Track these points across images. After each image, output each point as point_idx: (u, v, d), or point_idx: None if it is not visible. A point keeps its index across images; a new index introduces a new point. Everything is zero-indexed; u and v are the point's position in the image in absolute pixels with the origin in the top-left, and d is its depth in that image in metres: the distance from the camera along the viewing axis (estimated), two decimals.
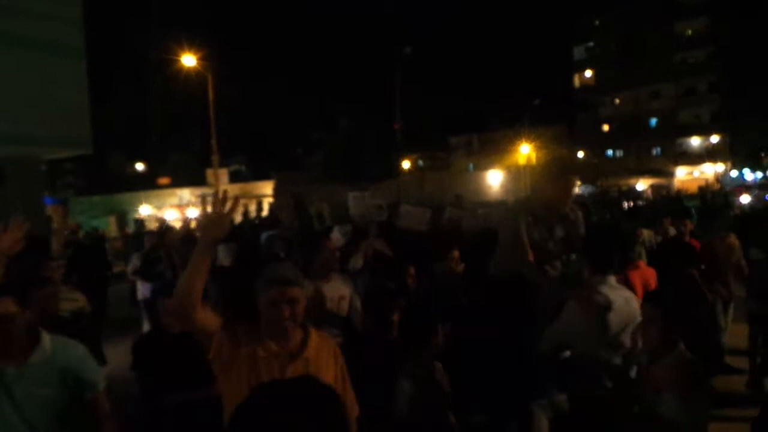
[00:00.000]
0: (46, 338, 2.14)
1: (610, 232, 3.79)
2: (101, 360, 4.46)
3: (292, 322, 1.90)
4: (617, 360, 2.69)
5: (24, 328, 2.06)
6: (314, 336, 2.00)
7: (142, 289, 6.88)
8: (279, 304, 1.87)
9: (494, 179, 26.44)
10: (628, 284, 4.04)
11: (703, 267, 5.05)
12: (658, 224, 6.86)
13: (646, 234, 6.47)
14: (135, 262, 7.15)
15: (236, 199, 2.12)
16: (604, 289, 2.76)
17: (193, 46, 20.38)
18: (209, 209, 1.90)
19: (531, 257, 3.24)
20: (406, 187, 23.68)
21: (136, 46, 39.08)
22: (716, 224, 5.91)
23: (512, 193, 25.17)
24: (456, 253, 4.74)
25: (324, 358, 1.99)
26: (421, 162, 49.61)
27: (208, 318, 1.90)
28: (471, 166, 43.30)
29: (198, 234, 2.01)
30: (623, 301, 2.76)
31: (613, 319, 2.67)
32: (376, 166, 33.32)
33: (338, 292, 3.59)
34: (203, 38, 21.47)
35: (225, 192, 2.00)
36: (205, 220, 1.90)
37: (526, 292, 2.90)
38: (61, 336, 2.24)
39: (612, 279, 2.86)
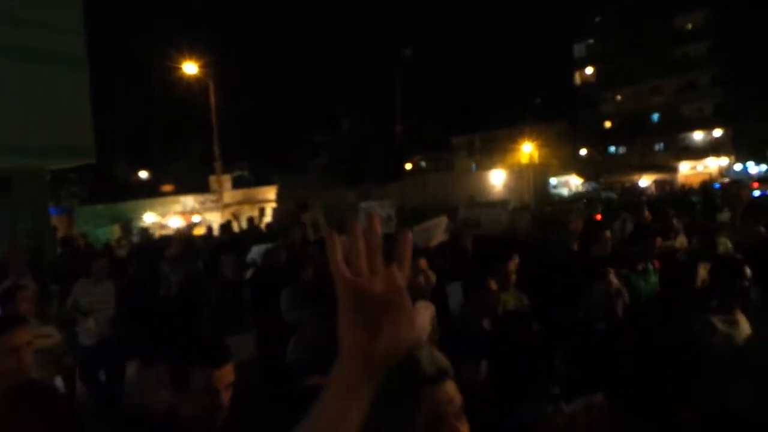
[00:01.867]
0: None
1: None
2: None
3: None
4: None
5: None
6: None
7: None
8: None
9: (497, 179, 26.36)
10: None
11: None
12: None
13: None
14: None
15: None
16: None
17: (195, 53, 20.46)
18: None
19: None
20: (410, 189, 23.65)
21: (138, 54, 39.22)
22: None
23: (516, 193, 25.10)
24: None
25: None
26: (423, 163, 49.60)
27: None
28: (474, 166, 43.24)
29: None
30: None
31: None
32: (379, 168, 33.34)
33: None
34: (205, 45, 21.57)
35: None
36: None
37: None
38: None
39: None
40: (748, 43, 48.03)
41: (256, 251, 7.06)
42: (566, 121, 48.54)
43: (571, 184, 41.65)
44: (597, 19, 50.71)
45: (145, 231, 16.89)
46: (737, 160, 46.67)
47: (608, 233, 4.84)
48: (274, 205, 22.85)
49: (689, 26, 47.51)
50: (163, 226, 20.37)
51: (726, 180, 30.96)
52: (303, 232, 7.37)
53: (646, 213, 6.25)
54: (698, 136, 48.05)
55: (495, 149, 41.93)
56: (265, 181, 28.07)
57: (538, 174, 28.40)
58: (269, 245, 6.88)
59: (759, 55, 48.17)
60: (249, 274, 7.19)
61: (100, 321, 4.90)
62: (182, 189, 26.59)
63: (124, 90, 37.38)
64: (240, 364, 1.95)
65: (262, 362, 5.15)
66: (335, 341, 0.74)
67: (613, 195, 26.68)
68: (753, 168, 45.38)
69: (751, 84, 46.57)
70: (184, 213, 22.20)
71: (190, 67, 20.34)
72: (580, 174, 42.68)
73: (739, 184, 22.91)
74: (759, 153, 48.68)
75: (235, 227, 10.82)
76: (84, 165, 10.73)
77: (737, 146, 47.34)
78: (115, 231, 16.97)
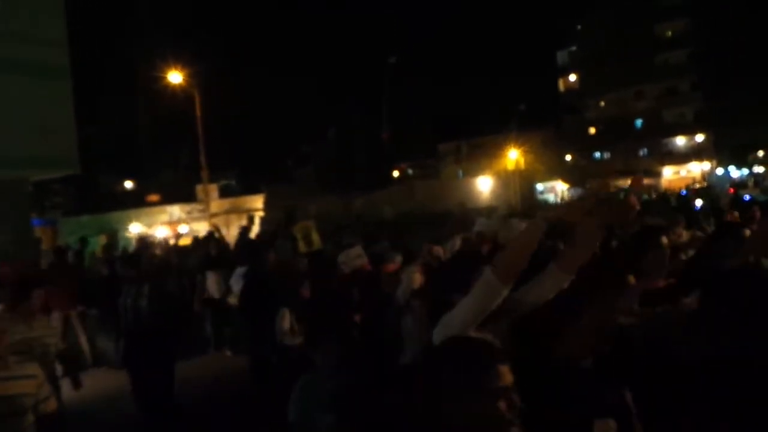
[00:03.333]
0: None
1: None
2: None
3: None
4: None
5: None
6: None
7: None
8: None
9: (484, 185, 26.51)
10: None
11: None
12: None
13: None
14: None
15: None
16: None
17: (181, 62, 20.39)
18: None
19: None
20: (397, 196, 23.70)
21: (123, 64, 38.97)
22: None
23: (503, 199, 25.25)
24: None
25: None
26: (410, 170, 49.75)
27: None
28: (460, 172, 43.46)
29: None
30: None
31: None
32: (366, 176, 33.38)
33: None
34: (191, 54, 21.51)
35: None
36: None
37: None
38: None
39: None
40: (726, 50, 49.01)
41: (239, 273, 6.74)
42: (551, 127, 49.03)
43: (557, 189, 41.99)
44: (578, 26, 51.43)
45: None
46: (719, 165, 47.43)
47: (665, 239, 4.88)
48: (261, 213, 22.76)
49: (669, 33, 48.35)
50: (149, 237, 20.19)
51: (697, 186, 31.46)
52: (293, 244, 7.02)
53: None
54: (680, 141, 48.80)
55: (481, 156, 42.20)
56: (253, 190, 27.95)
57: (525, 180, 28.65)
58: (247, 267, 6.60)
59: (737, 63, 49.14)
60: (232, 297, 6.92)
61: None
62: (169, 199, 26.39)
63: (110, 100, 37.13)
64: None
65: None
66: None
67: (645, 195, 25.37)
68: (734, 172, 46.16)
69: (730, 90, 47.48)
70: (171, 223, 22.01)
71: (175, 77, 20.26)
72: (565, 180, 43.05)
73: (712, 189, 23.35)
74: (739, 157, 49.55)
75: (220, 238, 10.52)
76: (68, 175, 10.62)
77: (718, 151, 48.14)
78: (101, 242, 16.77)
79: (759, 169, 46.17)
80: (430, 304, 4.06)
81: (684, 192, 24.24)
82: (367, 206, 22.09)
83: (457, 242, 6.15)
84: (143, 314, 5.19)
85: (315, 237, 6.73)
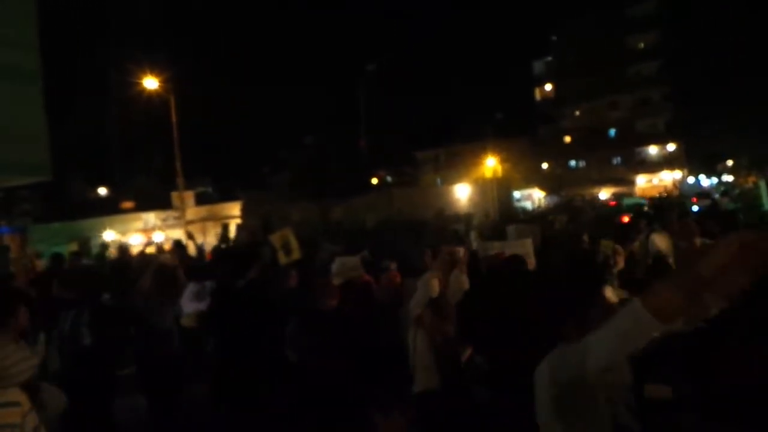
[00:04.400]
0: None
1: None
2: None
3: None
4: None
5: None
6: None
7: None
8: None
9: (462, 193, 26.68)
10: None
11: None
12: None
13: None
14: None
15: None
16: None
17: (156, 67, 20.14)
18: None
19: None
20: (375, 204, 23.69)
21: (96, 68, 38.37)
22: None
23: (480, 206, 25.43)
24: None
25: None
26: (389, 178, 49.82)
27: None
28: (439, 180, 43.68)
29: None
30: None
31: None
32: (344, 183, 33.33)
33: None
34: (166, 59, 21.28)
35: None
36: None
37: None
38: None
39: None
40: (696, 61, 50.34)
41: (194, 290, 6.00)
42: (528, 135, 49.67)
43: (534, 197, 42.47)
44: (554, 37, 52.32)
45: (105, 248, 16.31)
46: (690, 173, 48.60)
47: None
48: (238, 221, 22.52)
49: (641, 45, 49.49)
50: (122, 244, 19.80)
51: (665, 194, 32.22)
52: (271, 255, 6.34)
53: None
54: (653, 150, 49.86)
55: (459, 163, 42.49)
56: (229, 197, 27.68)
57: (502, 188, 28.90)
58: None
59: (707, 74, 50.50)
60: (185, 319, 6.00)
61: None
62: (143, 206, 25.97)
63: (83, 105, 36.45)
64: None
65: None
66: None
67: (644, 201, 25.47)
68: (705, 180, 47.35)
69: (700, 101, 48.80)
70: (146, 230, 21.65)
71: (150, 82, 20.00)
72: (542, 187, 43.59)
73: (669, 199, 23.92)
74: (709, 166, 50.91)
75: (191, 248, 9.95)
76: (39, 182, 10.32)
77: (690, 160, 49.35)
78: (72, 249, 16.38)
79: (728, 177, 47.43)
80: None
81: (643, 201, 24.91)
82: (346, 213, 22.03)
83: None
84: (81, 346, 4.19)
85: (294, 245, 6.19)
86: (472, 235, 9.78)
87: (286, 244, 6.13)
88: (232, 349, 4.65)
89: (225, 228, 13.62)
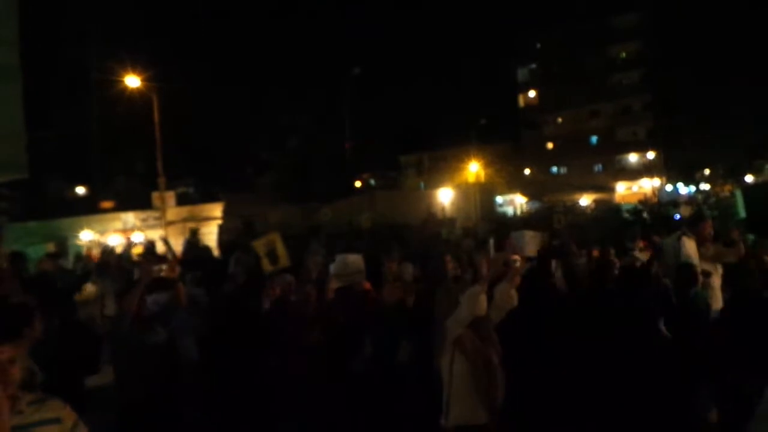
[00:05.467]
0: None
1: None
2: None
3: None
4: None
5: None
6: None
7: None
8: None
9: (445, 197, 26.79)
10: None
11: None
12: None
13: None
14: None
15: None
16: None
17: (138, 65, 19.92)
18: None
19: None
20: (359, 207, 23.67)
21: (77, 65, 37.79)
22: None
23: (463, 211, 25.55)
24: None
25: None
26: (372, 181, 49.84)
27: None
28: (422, 184, 43.81)
29: None
30: None
31: None
32: (327, 185, 33.24)
33: None
34: (148, 57, 21.05)
35: None
36: None
37: None
38: None
39: None
40: (676, 71, 51.32)
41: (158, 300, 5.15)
42: (511, 141, 50.09)
43: (516, 202, 42.82)
44: (538, 45, 52.90)
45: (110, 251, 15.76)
46: (668, 181, 49.44)
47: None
48: (220, 222, 22.32)
49: (623, 55, 50.30)
50: (101, 245, 19.50)
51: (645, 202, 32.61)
52: (256, 262, 5.91)
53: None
54: (633, 158, 50.64)
55: (442, 168, 42.70)
56: (211, 198, 27.42)
57: (485, 193, 29.08)
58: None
59: (686, 85, 51.51)
60: None
61: None
62: (123, 206, 25.59)
63: (63, 102, 35.87)
64: None
65: None
66: None
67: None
68: (683, 189, 48.20)
69: (679, 111, 49.74)
70: (125, 230, 21.33)
71: (132, 81, 19.76)
72: (524, 193, 43.97)
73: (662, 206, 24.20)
74: (687, 175, 51.85)
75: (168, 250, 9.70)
76: (15, 180, 10.11)
77: (668, 168, 50.23)
78: (49, 249, 16.04)
79: (705, 186, 48.35)
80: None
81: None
82: (329, 216, 21.94)
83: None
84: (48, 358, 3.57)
85: (281, 252, 5.62)
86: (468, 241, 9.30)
87: (271, 252, 5.56)
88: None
89: (194, 233, 13.09)
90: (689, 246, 5.29)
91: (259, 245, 5.65)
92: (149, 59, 21.28)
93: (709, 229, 5.42)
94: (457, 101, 61.26)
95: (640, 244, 6.69)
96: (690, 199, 31.99)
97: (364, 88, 48.32)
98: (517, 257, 3.49)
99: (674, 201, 32.43)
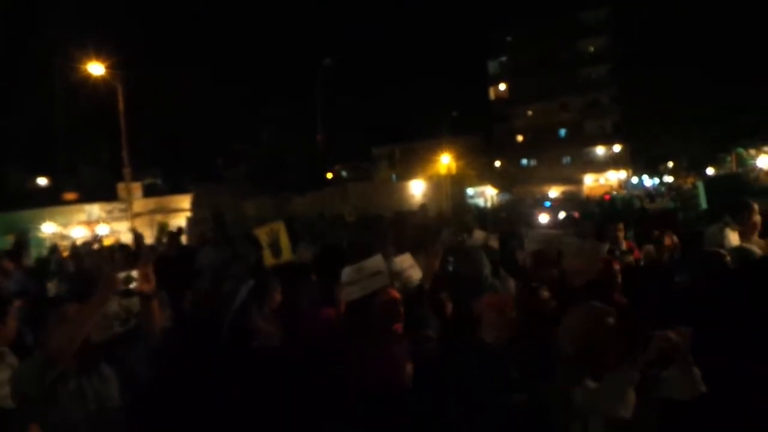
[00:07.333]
0: None
1: None
2: None
3: None
4: None
5: None
6: None
7: None
8: None
9: (417, 189, 26.88)
10: None
11: None
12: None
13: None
14: None
15: None
16: None
17: (103, 52, 19.33)
18: None
19: None
20: (330, 198, 23.57)
21: (40, 52, 36.53)
22: None
23: (434, 202, 25.66)
24: None
25: None
26: (344, 173, 49.65)
27: None
28: (394, 176, 43.85)
29: None
30: None
31: None
32: (299, 177, 32.97)
33: None
34: (114, 45, 20.46)
35: None
36: None
37: None
38: None
39: None
40: (642, 66, 52.47)
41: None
42: (482, 133, 50.47)
43: (486, 194, 43.24)
44: (509, 38, 53.32)
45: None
46: (634, 174, 50.61)
47: None
48: (188, 214, 21.95)
49: (591, 49, 51.11)
50: (64, 237, 18.97)
51: (614, 193, 33.37)
52: (256, 254, 5.37)
53: None
54: (600, 150, 51.65)
55: (414, 160, 42.76)
56: (179, 189, 26.93)
57: (456, 184, 29.28)
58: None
59: (651, 78, 52.71)
60: None
61: None
62: (87, 197, 24.92)
63: (24, 91, 34.66)
64: None
65: None
66: None
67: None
68: (647, 181, 49.43)
69: (644, 105, 50.94)
70: (90, 222, 20.80)
71: (96, 68, 19.18)
72: (495, 185, 44.44)
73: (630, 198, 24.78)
74: (653, 167, 53.19)
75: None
76: None
77: (634, 161, 51.42)
78: (8, 243, 15.54)
79: (669, 178, 49.67)
80: None
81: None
82: (302, 208, 21.78)
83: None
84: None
85: (285, 244, 4.99)
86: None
87: (275, 242, 4.93)
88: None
89: (162, 230, 12.60)
90: (732, 238, 4.74)
91: (262, 233, 5.02)
92: (115, 47, 20.70)
93: (756, 217, 4.78)
94: (430, 94, 61.46)
95: (624, 246, 5.68)
96: (655, 191, 32.82)
97: (336, 80, 48.11)
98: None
99: (649, 193, 33.07)
